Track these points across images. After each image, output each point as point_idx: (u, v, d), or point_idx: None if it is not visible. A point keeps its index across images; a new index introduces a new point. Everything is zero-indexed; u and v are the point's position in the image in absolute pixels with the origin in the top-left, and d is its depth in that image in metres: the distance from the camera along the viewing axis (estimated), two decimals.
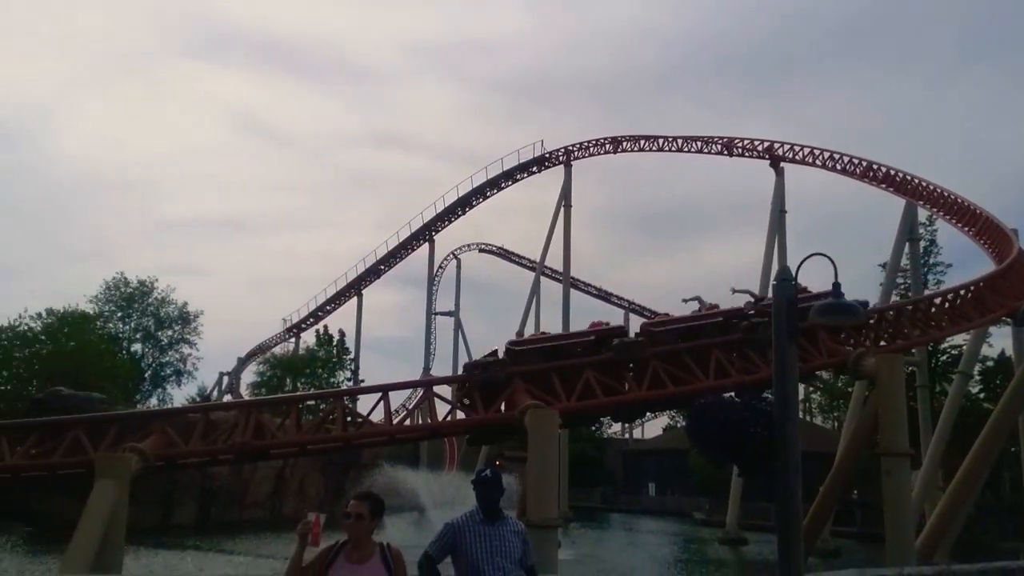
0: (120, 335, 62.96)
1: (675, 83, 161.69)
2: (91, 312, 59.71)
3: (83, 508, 14.15)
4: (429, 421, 19.23)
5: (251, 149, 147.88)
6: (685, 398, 18.52)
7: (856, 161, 41.17)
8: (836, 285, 7.26)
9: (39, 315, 55.51)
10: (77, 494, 15.78)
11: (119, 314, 63.37)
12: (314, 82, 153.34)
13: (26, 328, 54.18)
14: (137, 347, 64.35)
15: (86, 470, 15.77)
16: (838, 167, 41.92)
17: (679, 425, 70.09)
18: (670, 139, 50.63)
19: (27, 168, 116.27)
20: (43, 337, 50.59)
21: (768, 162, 44.27)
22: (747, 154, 46.44)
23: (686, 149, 50.08)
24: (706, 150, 49.05)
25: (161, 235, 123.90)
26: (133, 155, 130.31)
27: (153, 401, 61.07)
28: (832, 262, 7.19)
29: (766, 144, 45.17)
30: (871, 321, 21.81)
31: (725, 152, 47.74)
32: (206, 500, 36.22)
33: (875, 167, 40.16)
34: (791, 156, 43.87)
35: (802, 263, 7.26)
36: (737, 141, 47.22)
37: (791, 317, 6.76)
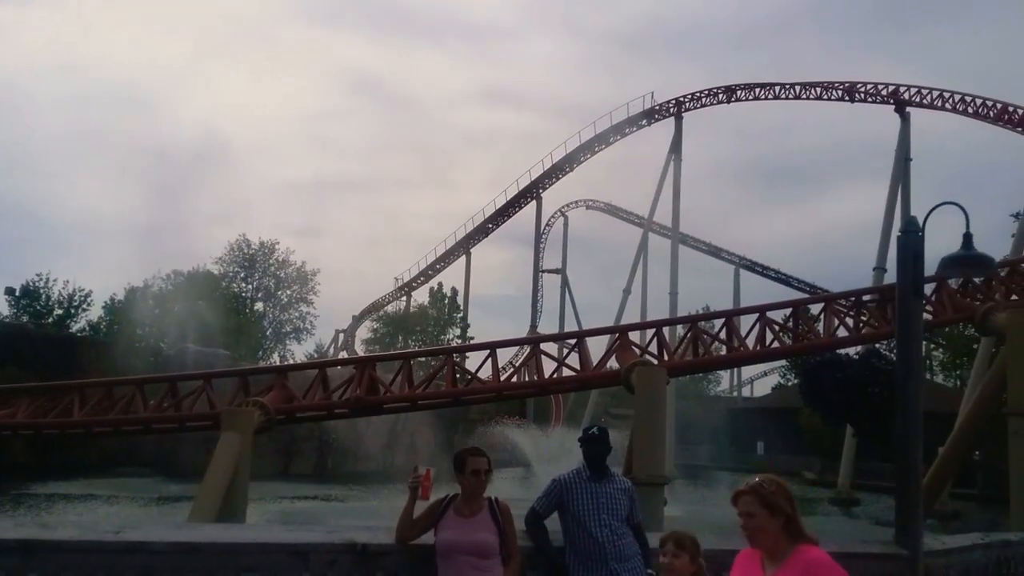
0: (243, 294, 65.96)
1: (793, 29, 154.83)
2: (217, 273, 62.81)
3: (208, 458, 14.95)
4: (536, 378, 19.32)
5: (366, 111, 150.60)
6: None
7: (990, 103, 38.58)
8: (967, 235, 6.80)
9: (169, 276, 58.88)
10: (205, 445, 16.68)
11: (242, 274, 66.38)
12: (427, 41, 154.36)
13: (158, 288, 57.54)
14: (259, 306, 67.33)
15: (212, 422, 16.66)
16: (970, 110, 39.39)
17: (790, 383, 68.32)
18: (787, 86, 48.61)
19: (157, 133, 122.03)
20: (174, 296, 53.50)
21: (893, 107, 42.02)
22: (870, 99, 44.16)
23: (804, 96, 48.03)
24: (826, 96, 46.92)
25: (281, 197, 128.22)
26: (255, 120, 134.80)
27: (275, 357, 63.98)
28: (963, 210, 6.73)
29: (891, 88, 42.83)
30: (1002, 273, 20.52)
31: (847, 98, 45.53)
32: (323, 452, 37.78)
33: (1011, 109, 37.54)
34: (918, 100, 41.51)
35: (930, 212, 6.81)
36: (859, 85, 44.93)
37: (917, 270, 6.37)
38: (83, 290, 52.50)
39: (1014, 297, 20.20)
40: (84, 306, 52.66)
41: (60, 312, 51.15)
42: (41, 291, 50.72)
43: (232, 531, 5.31)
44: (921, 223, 6.67)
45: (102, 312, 55.45)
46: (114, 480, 28.33)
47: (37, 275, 50.82)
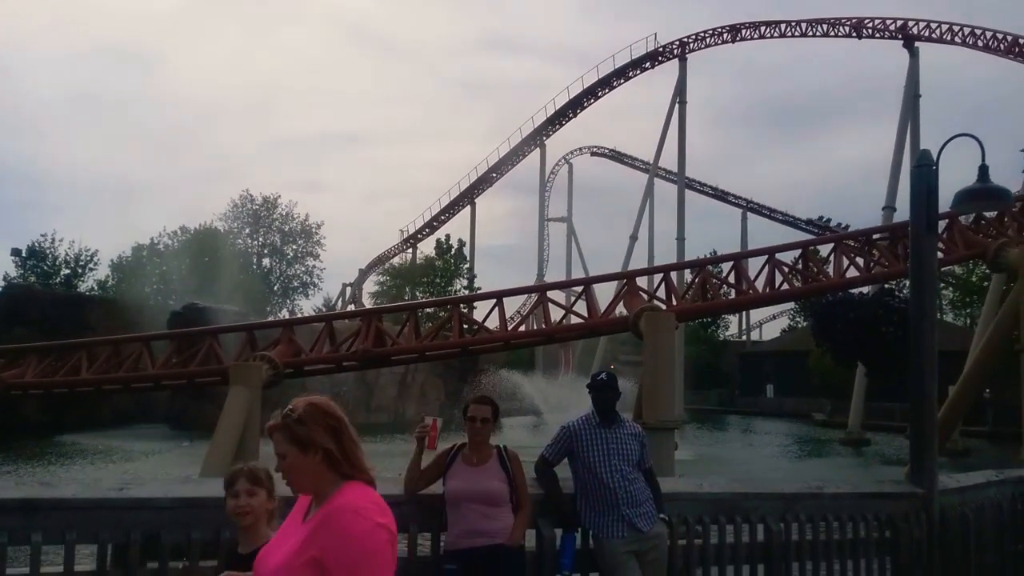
0: (249, 250, 65.98)
1: None
2: (222, 230, 62.74)
3: (219, 412, 15.03)
4: (544, 326, 19.28)
5: (365, 63, 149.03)
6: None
7: (1000, 36, 37.81)
8: (983, 167, 6.59)
9: (175, 233, 58.88)
10: (215, 399, 16.73)
11: (247, 230, 66.31)
12: None
13: (164, 246, 57.57)
14: (266, 261, 67.39)
15: (220, 378, 16.70)
16: (979, 44, 38.64)
17: (800, 326, 68.34)
18: (793, 23, 47.68)
19: (155, 91, 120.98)
20: (180, 254, 53.58)
21: (901, 42, 41.19)
22: (878, 35, 43.35)
23: (811, 33, 47.14)
24: (833, 33, 46.03)
25: (282, 152, 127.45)
26: (253, 75, 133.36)
27: (284, 313, 64.17)
28: (979, 142, 6.52)
29: (899, 22, 41.97)
30: (1014, 209, 20.27)
31: (854, 34, 44.67)
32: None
33: (1022, 41, 36.75)
34: (927, 34, 40.70)
35: (946, 144, 6.59)
36: (867, 21, 44.04)
37: (932, 205, 6.19)
38: (89, 250, 52.65)
39: None
40: (91, 265, 52.88)
41: (67, 272, 51.31)
42: (48, 251, 50.81)
43: None
44: (935, 156, 6.47)
45: (109, 271, 55.62)
46: (128, 434, 28.61)
47: (42, 236, 50.90)
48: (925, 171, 6.35)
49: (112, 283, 54.73)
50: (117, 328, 29.09)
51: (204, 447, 17.03)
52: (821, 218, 64.48)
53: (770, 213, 67.02)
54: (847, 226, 61.25)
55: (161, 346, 19.61)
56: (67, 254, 51.45)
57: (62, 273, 51.00)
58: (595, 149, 67.31)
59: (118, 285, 53.05)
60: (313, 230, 67.00)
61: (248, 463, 3.46)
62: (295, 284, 68.12)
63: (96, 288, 52.89)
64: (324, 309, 65.21)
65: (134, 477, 16.09)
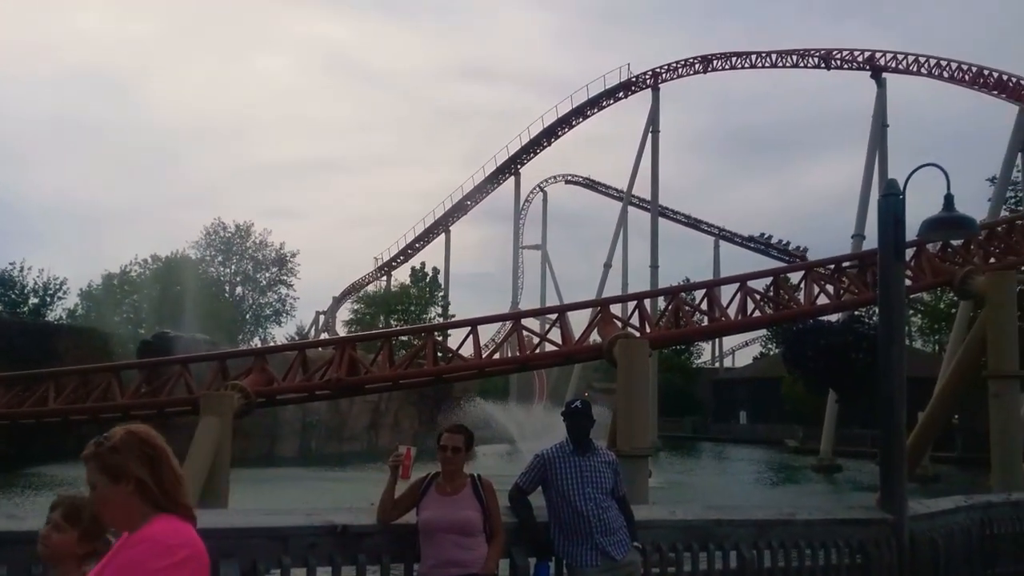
0: (222, 278, 65.47)
1: None
2: (194, 257, 62.27)
3: (189, 443, 14.80)
4: (518, 354, 19.27)
5: (341, 90, 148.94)
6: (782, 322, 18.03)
7: (965, 67, 38.74)
8: (949, 196, 6.74)
9: (145, 261, 58.33)
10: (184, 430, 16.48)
11: (219, 258, 65.83)
12: (399, 17, 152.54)
13: (135, 274, 56.98)
14: (239, 289, 66.87)
15: (191, 407, 16.49)
16: (945, 74, 39.55)
17: (772, 353, 68.84)
18: (763, 54, 48.54)
19: (129, 117, 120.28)
20: (151, 282, 53.07)
21: (869, 73, 42.10)
22: (846, 66, 44.24)
23: (781, 64, 48.02)
24: (802, 64, 46.96)
25: (257, 179, 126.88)
26: (229, 101, 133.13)
27: (255, 341, 63.67)
28: (944, 172, 6.67)
29: (867, 54, 42.90)
30: (980, 236, 20.66)
31: (823, 65, 45.56)
32: (307, 434, 37.64)
33: (986, 72, 37.75)
34: (893, 65, 41.62)
35: (912, 174, 6.73)
36: (835, 52, 44.94)
37: (899, 233, 6.31)
38: (58, 278, 51.90)
39: (992, 260, 20.35)
40: (60, 294, 52.08)
41: (36, 301, 50.50)
42: (16, 280, 50.01)
43: (208, 516, 5.18)
44: (902, 185, 6.61)
45: (78, 300, 54.90)
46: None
47: (11, 263, 50.15)
48: (892, 200, 6.49)
49: (81, 312, 53.98)
50: (86, 358, 28.63)
51: None
52: (763, 235, 65.93)
53: (742, 241, 67.70)
54: (790, 244, 63.33)
55: (131, 376, 19.34)
56: (36, 282, 50.71)
57: (30, 302, 50.22)
58: (569, 177, 67.78)
59: (87, 314, 52.35)
60: (287, 258, 66.72)
61: (78, 495, 2.90)
62: (268, 312, 67.67)
63: (65, 317, 52.13)
64: (297, 337, 64.71)
65: None
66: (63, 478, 24.45)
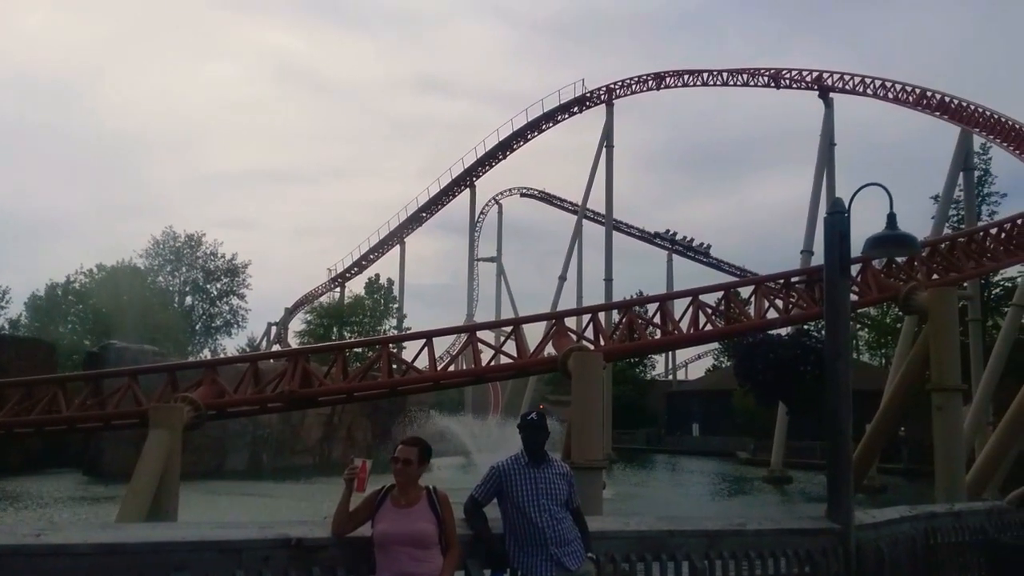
0: (171, 288, 64.32)
1: (720, 15, 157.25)
2: (142, 267, 61.08)
3: (137, 457, 14.51)
4: (473, 366, 19.26)
5: (295, 100, 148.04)
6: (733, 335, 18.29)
7: (909, 88, 39.85)
8: (891, 215, 6.96)
9: (92, 271, 57.07)
10: (132, 443, 16.18)
11: (168, 268, 64.70)
12: (354, 28, 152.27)
13: (81, 284, 55.69)
14: (188, 299, 65.73)
15: (139, 420, 16.16)
16: (890, 95, 40.61)
17: (724, 366, 69.75)
18: (715, 73, 49.38)
19: (78, 125, 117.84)
20: (97, 292, 51.93)
21: (817, 93, 43.06)
22: (795, 85, 45.18)
23: (732, 83, 48.84)
24: (752, 83, 47.79)
25: (208, 188, 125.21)
26: (180, 109, 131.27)
27: (205, 352, 62.66)
28: (887, 192, 6.88)
29: (815, 74, 43.86)
30: (923, 253, 21.22)
31: (772, 84, 46.46)
32: (258, 447, 37.09)
33: (929, 94, 38.84)
34: (841, 86, 42.62)
35: (856, 193, 6.95)
36: (784, 72, 45.90)
37: (844, 250, 6.50)
38: (1, 286, 50.59)
39: (935, 277, 20.91)
40: (3, 303, 50.78)
41: None
42: None
43: (159, 530, 5.12)
44: (847, 204, 6.81)
45: (23, 309, 53.48)
46: (38, 479, 27.36)
47: None
48: (838, 218, 6.69)
49: (25, 322, 52.57)
50: (30, 369, 27.95)
51: (121, 490, 16.37)
52: (668, 231, 68.61)
53: (694, 255, 68.62)
54: (693, 240, 66.22)
55: (77, 387, 18.90)
56: None
57: None
58: (525, 190, 68.12)
59: (31, 324, 51.00)
60: (239, 269, 65.83)
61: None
62: (218, 323, 66.61)
63: (8, 327, 50.72)
64: (248, 349, 63.83)
65: (50, 523, 15.40)
66: (3, 492, 23.81)
